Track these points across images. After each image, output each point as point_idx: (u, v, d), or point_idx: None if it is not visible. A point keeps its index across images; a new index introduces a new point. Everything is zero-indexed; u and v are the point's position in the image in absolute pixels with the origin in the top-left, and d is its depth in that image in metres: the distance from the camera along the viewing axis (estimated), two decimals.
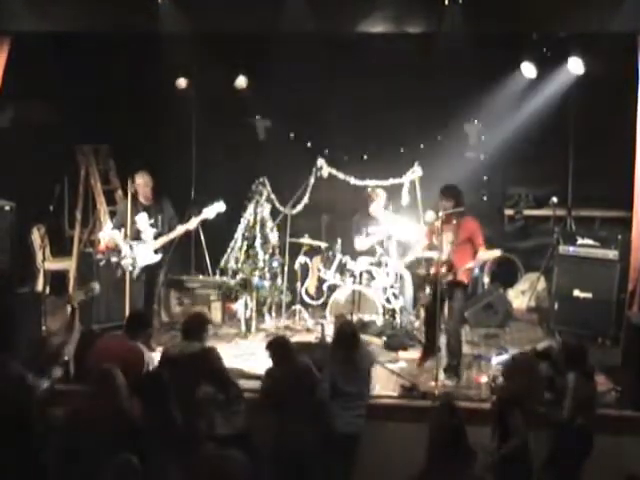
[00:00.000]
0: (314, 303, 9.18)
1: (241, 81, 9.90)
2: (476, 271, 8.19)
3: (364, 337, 7.56)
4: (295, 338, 7.83)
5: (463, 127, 9.87)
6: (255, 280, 8.60)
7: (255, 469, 4.03)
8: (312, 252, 9.27)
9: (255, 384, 6.14)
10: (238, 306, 8.73)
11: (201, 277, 9.41)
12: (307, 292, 9.22)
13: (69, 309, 8.38)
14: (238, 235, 8.85)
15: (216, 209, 7.94)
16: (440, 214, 6.90)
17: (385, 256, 8.60)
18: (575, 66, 8.89)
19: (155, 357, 6.42)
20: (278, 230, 8.95)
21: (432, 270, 7.23)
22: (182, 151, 10.17)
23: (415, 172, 8.63)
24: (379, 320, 8.29)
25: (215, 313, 8.80)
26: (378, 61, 9.22)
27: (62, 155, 9.89)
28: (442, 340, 7.17)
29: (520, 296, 9.60)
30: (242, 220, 8.86)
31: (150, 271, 7.94)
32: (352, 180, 8.81)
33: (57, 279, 9.75)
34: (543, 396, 5.63)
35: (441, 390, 6.55)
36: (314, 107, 9.64)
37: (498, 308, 8.95)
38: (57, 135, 9.68)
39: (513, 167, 10.15)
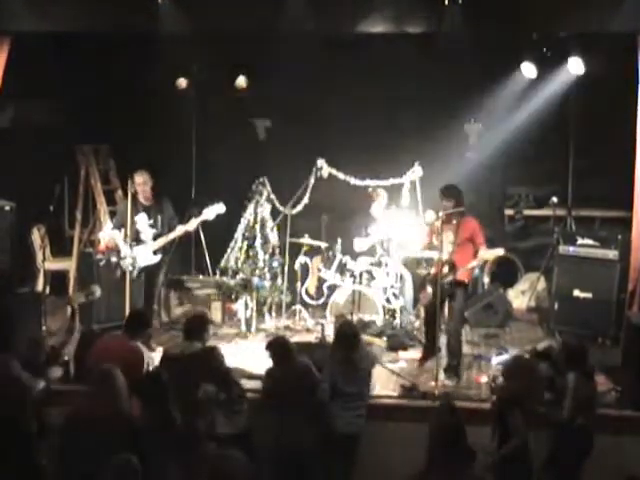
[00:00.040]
0: (314, 303, 9.17)
1: (241, 81, 9.91)
2: (476, 271, 8.18)
3: (366, 338, 7.60)
4: (295, 338, 7.82)
5: (463, 127, 9.88)
6: (255, 280, 8.59)
7: (255, 469, 4.04)
8: (312, 252, 9.27)
9: (257, 384, 6.13)
10: (238, 306, 8.72)
11: (201, 277, 9.41)
12: (307, 292, 9.22)
13: (69, 310, 8.38)
14: (238, 235, 8.85)
15: (216, 210, 7.94)
16: (440, 214, 6.90)
17: (385, 256, 8.60)
18: (575, 66, 8.90)
19: (155, 357, 6.43)
20: (278, 230, 8.95)
21: (433, 270, 7.23)
22: (182, 151, 10.17)
23: (415, 172, 8.62)
24: (379, 320, 8.29)
25: (215, 313, 8.80)
26: (378, 61, 9.23)
27: (62, 155, 9.89)
28: (442, 340, 7.17)
29: (520, 296, 9.61)
30: (242, 220, 8.86)
31: (150, 271, 7.94)
32: (352, 180, 8.80)
33: (57, 279, 9.75)
34: (543, 396, 5.63)
35: (441, 390, 6.54)
36: (314, 107, 9.64)
37: (498, 308, 8.95)
38: (57, 135, 9.69)
39: (513, 167, 10.16)
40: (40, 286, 8.78)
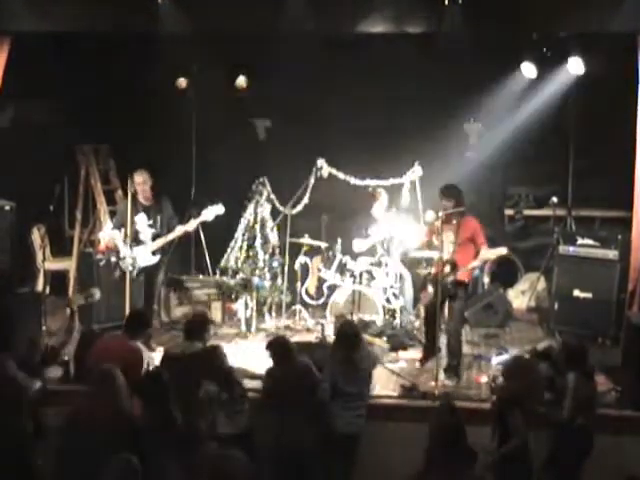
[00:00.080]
0: (314, 303, 9.17)
1: (241, 81, 9.91)
2: (476, 271, 8.18)
3: (368, 338, 7.61)
4: (295, 338, 7.82)
5: (463, 127, 9.88)
6: (255, 280, 8.59)
7: (256, 469, 4.04)
8: (312, 252, 9.26)
9: (258, 384, 6.13)
10: (238, 306, 8.72)
11: (201, 277, 9.41)
12: (307, 292, 9.22)
13: (68, 311, 8.39)
14: (238, 235, 8.86)
15: (215, 211, 7.94)
16: (440, 214, 6.90)
17: (385, 256, 8.60)
18: (575, 66, 8.89)
19: (155, 357, 6.43)
20: (278, 230, 8.95)
21: (433, 270, 7.23)
22: (182, 151, 10.16)
23: (415, 172, 8.62)
24: (379, 320, 8.29)
25: (215, 313, 8.80)
26: (378, 61, 9.22)
27: (62, 155, 9.89)
28: (442, 340, 7.17)
29: (520, 296, 9.61)
30: (242, 220, 8.86)
31: (149, 271, 7.93)
32: (352, 180, 8.80)
33: (57, 279, 9.75)
34: (543, 396, 5.63)
35: (441, 390, 6.54)
36: (314, 107, 9.64)
37: (498, 308, 8.95)
38: (57, 135, 9.68)
39: (513, 167, 10.16)
40: (40, 286, 8.77)
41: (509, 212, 10.38)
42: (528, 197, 10.33)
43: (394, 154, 9.59)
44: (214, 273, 9.28)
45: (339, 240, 8.89)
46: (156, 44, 8.44)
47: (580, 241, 8.40)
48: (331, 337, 7.54)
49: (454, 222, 7.03)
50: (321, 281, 9.10)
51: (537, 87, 9.36)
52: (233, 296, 8.75)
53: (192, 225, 8.01)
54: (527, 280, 9.76)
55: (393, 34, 8.03)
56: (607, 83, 8.70)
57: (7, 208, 8.44)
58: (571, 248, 8.42)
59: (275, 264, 8.80)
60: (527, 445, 5.09)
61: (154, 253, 7.88)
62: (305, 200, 8.78)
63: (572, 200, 9.89)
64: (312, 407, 5.56)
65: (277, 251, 8.90)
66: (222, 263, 8.91)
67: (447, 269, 6.93)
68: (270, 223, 8.90)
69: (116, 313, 7.80)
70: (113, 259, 7.82)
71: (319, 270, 9.06)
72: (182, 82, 9.94)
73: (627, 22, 7.31)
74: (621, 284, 7.98)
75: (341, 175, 8.82)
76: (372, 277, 8.60)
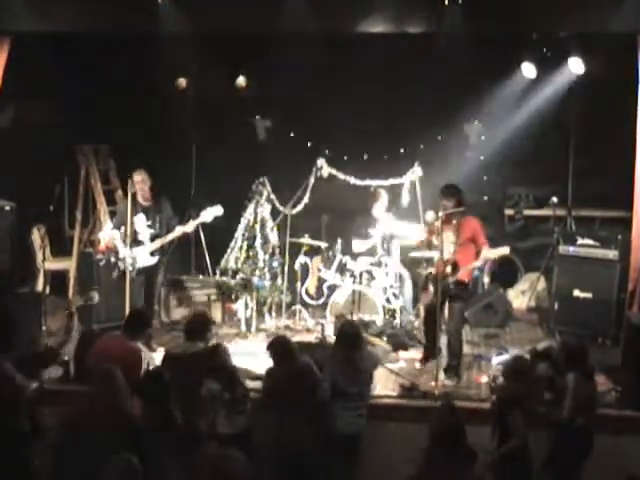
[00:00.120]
0: (314, 303, 9.17)
1: (241, 81, 9.91)
2: (476, 271, 8.18)
3: (371, 339, 7.62)
4: (295, 338, 7.80)
5: (463, 127, 9.88)
6: (255, 280, 8.59)
7: (255, 469, 4.03)
8: (312, 252, 9.27)
9: (259, 384, 6.13)
10: (238, 306, 8.73)
11: (201, 277, 9.41)
12: (307, 292, 9.22)
13: (66, 312, 8.40)
14: (238, 235, 8.85)
15: (213, 213, 7.95)
16: (440, 214, 6.89)
17: (385, 256, 8.60)
18: (575, 66, 8.90)
19: (156, 357, 6.43)
20: (278, 230, 8.95)
21: (434, 270, 7.23)
22: (182, 151, 10.17)
23: (415, 172, 8.62)
24: (379, 320, 8.29)
25: (215, 313, 8.80)
26: (378, 61, 9.22)
27: (62, 155, 9.89)
28: (442, 340, 7.17)
29: (520, 296, 9.61)
30: (242, 220, 8.85)
31: (149, 272, 7.94)
32: (352, 180, 8.81)
33: (57, 279, 9.76)
34: (543, 396, 5.63)
35: (441, 390, 6.54)
36: (314, 107, 9.64)
37: (498, 308, 8.95)
38: (57, 135, 9.68)
39: (513, 167, 10.16)
40: (40, 286, 8.78)
41: (509, 212, 10.38)
42: (528, 197, 10.33)
43: (394, 154, 9.61)
44: (214, 273, 9.27)
45: (339, 240, 8.89)
46: (156, 44, 8.45)
47: (580, 241, 8.40)
48: (331, 337, 7.54)
49: (454, 222, 7.02)
50: (321, 281, 9.10)
51: (537, 87, 9.36)
52: (233, 296, 8.75)
53: (190, 226, 8.01)
54: (527, 280, 9.77)
55: (393, 34, 8.04)
56: (607, 83, 8.70)
57: (7, 208, 8.44)
58: (571, 248, 8.42)
59: (275, 264, 8.80)
60: (527, 445, 5.09)
61: (152, 254, 7.88)
62: (305, 200, 8.78)
63: (572, 200, 9.89)
64: (312, 407, 5.56)
65: (277, 251, 8.89)
66: (222, 263, 8.90)
67: (448, 269, 6.93)
68: (270, 223, 8.89)
69: (116, 313, 7.79)
70: (113, 259, 7.82)
71: (319, 270, 9.06)
72: (182, 82, 9.95)
73: (627, 22, 7.31)
74: (621, 284, 7.98)
75: (341, 175, 8.83)
76: (372, 277, 8.60)
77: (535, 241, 10.19)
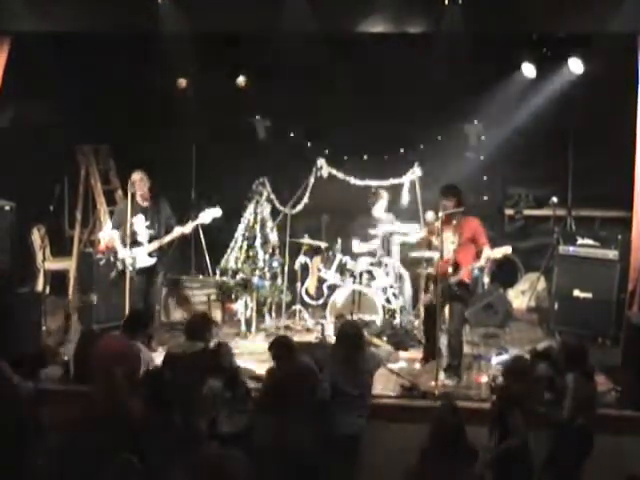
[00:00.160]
0: (314, 303, 9.17)
1: (241, 81, 9.90)
2: (476, 271, 8.18)
3: (373, 340, 7.61)
4: (295, 338, 7.79)
5: (463, 127, 9.87)
6: (255, 280, 8.59)
7: (255, 469, 4.03)
8: (312, 252, 9.27)
9: (260, 384, 6.13)
10: (238, 306, 8.72)
11: (201, 277, 9.41)
12: (307, 292, 9.22)
13: (65, 313, 8.41)
14: (238, 235, 8.85)
15: (212, 214, 7.95)
16: (440, 214, 6.89)
17: (385, 256, 8.60)
18: (575, 66, 8.89)
19: (156, 357, 6.43)
20: (278, 230, 8.95)
21: (434, 270, 7.22)
22: (182, 151, 10.17)
23: (415, 172, 8.62)
24: (379, 320, 8.29)
25: (215, 313, 8.80)
26: (378, 61, 9.22)
27: (62, 155, 9.89)
28: (443, 340, 7.17)
29: (520, 296, 9.61)
30: (242, 220, 8.85)
31: (148, 272, 7.93)
32: (352, 180, 8.81)
33: (57, 279, 9.76)
34: (543, 396, 5.63)
35: (441, 390, 6.54)
36: (314, 107, 9.64)
37: (498, 308, 8.94)
38: (57, 135, 9.68)
39: (513, 167, 10.16)
40: (40, 286, 8.78)
41: (509, 212, 10.38)
42: (528, 197, 10.33)
43: (394, 154, 9.60)
44: (214, 273, 9.28)
45: (339, 240, 8.89)
46: (156, 44, 8.43)
47: (580, 241, 8.41)
48: (331, 337, 7.54)
49: (454, 222, 7.02)
50: (321, 281, 9.10)
51: (537, 87, 9.35)
52: (233, 296, 8.75)
53: (189, 227, 8.00)
54: (527, 280, 9.77)
55: (393, 34, 8.03)
56: (607, 83, 8.68)
57: (7, 208, 8.43)
58: (571, 248, 8.42)
59: (275, 264, 8.80)
60: (527, 445, 5.09)
61: (151, 255, 7.88)
62: (305, 200, 8.78)
63: (572, 200, 9.89)
64: (313, 407, 5.55)
65: (277, 251, 8.89)
66: (222, 263, 8.90)
67: (450, 270, 6.93)
68: (270, 223, 8.89)
69: (116, 313, 7.79)
70: (112, 259, 7.82)
71: (319, 270, 9.05)
72: (182, 82, 9.94)
73: (627, 22, 7.30)
74: (621, 284, 7.98)
75: (341, 175, 8.83)
76: (372, 277, 8.59)
77: (535, 241, 10.19)
